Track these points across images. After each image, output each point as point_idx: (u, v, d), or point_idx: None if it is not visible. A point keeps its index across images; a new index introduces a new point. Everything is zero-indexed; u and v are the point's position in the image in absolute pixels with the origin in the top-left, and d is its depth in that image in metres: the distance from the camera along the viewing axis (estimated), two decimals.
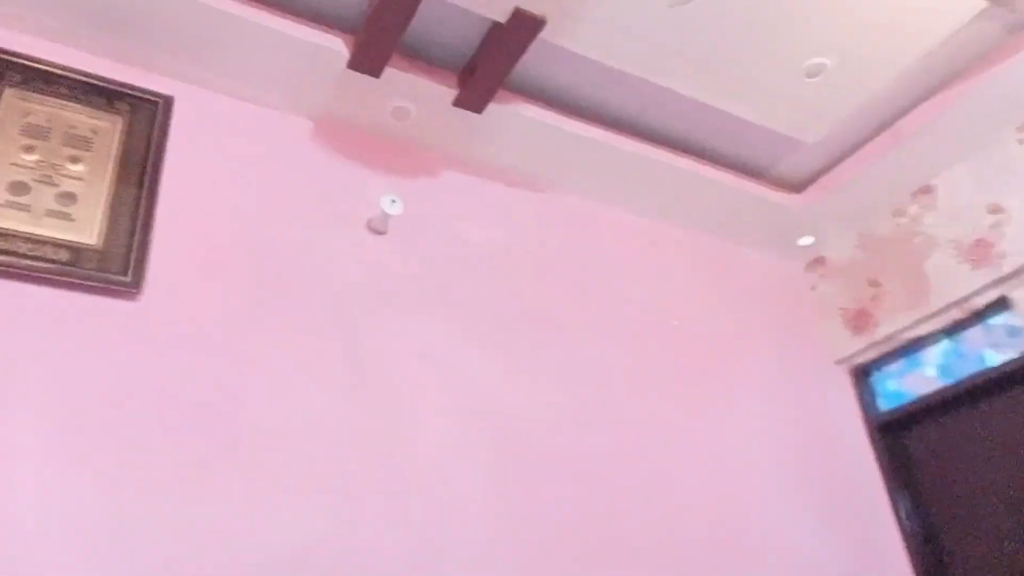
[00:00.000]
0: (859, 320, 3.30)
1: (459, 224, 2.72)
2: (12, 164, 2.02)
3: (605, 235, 3.07)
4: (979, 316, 2.94)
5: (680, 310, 3.07)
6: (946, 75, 2.75)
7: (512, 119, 2.66)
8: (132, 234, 2.08)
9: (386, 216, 2.46)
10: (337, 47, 2.35)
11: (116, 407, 1.89)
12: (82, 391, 1.87)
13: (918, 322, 3.08)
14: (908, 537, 3.02)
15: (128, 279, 2.02)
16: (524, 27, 2.30)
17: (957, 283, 2.92)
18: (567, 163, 2.89)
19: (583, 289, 2.86)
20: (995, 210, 2.84)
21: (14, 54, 2.12)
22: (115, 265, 2.02)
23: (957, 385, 2.98)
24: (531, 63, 2.58)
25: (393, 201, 2.42)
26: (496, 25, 2.35)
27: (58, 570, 1.67)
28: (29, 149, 2.06)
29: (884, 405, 3.27)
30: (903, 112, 2.90)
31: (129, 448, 1.86)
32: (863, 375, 3.34)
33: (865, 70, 2.58)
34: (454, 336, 2.48)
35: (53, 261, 1.96)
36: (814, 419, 3.17)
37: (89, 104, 2.18)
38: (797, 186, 3.28)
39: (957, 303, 2.95)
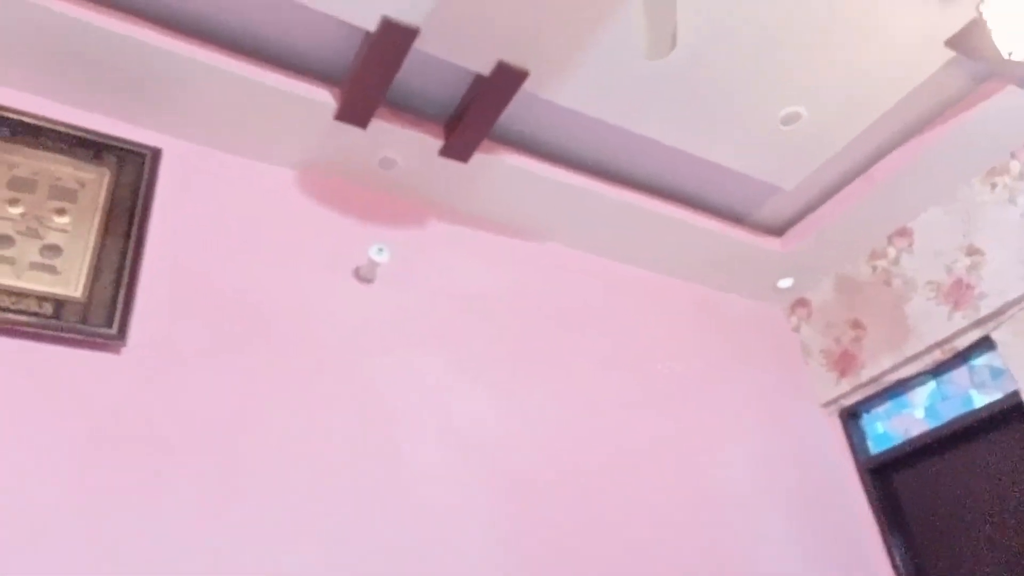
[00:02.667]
0: (843, 362, 3.32)
1: (446, 272, 2.73)
2: None
3: (590, 282, 3.08)
4: (962, 357, 2.96)
5: (665, 354, 3.07)
6: (918, 120, 2.82)
7: (497, 168, 2.70)
8: (117, 286, 2.06)
9: (374, 264, 2.46)
10: (324, 99, 2.38)
11: (99, 458, 1.85)
12: (66, 443, 1.83)
13: (901, 364, 3.10)
14: None
15: (113, 331, 1.99)
16: (508, 79, 2.35)
17: (938, 325, 2.95)
18: (552, 211, 2.92)
19: (569, 333, 2.87)
20: (972, 252, 2.90)
21: (1, 107, 2.13)
22: (99, 317, 2.00)
23: (944, 427, 2.99)
24: (515, 114, 2.63)
25: (380, 249, 2.43)
26: (480, 77, 2.40)
27: None
28: (14, 202, 2.05)
29: (874, 447, 3.27)
30: (878, 156, 2.97)
31: (119, 505, 1.81)
32: (851, 417, 3.34)
33: (839, 118, 2.67)
34: (444, 375, 2.50)
35: (36, 314, 1.93)
36: (804, 462, 3.16)
37: (76, 156, 2.19)
38: (777, 230, 3.33)
39: (939, 344, 2.97)
